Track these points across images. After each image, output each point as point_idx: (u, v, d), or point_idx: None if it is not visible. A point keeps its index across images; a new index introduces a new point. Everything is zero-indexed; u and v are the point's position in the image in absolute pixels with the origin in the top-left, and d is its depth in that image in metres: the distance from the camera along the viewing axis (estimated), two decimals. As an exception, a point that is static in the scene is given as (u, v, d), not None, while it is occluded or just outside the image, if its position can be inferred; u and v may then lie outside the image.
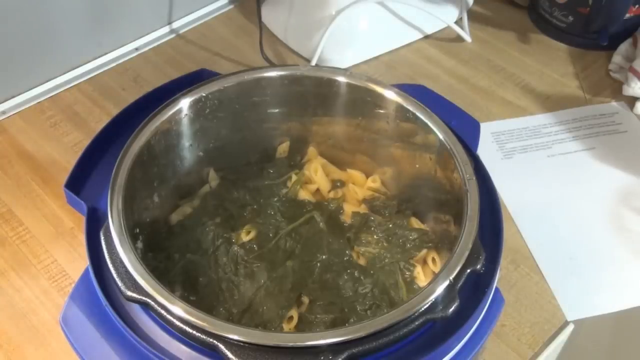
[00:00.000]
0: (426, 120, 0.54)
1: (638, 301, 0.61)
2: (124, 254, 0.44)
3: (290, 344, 0.40)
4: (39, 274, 0.61)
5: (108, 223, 0.46)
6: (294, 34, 0.84)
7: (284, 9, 0.85)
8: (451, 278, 0.44)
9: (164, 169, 0.56)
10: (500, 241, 0.49)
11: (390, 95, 0.56)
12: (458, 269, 0.44)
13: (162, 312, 0.42)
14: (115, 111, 0.56)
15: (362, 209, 0.60)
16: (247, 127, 0.60)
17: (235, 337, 0.40)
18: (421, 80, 0.80)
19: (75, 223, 0.65)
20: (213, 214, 0.58)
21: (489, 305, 0.46)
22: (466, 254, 0.45)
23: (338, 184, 0.62)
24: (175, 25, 0.87)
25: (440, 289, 0.43)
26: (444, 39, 0.87)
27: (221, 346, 0.40)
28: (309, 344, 0.40)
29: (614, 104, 0.79)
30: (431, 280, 0.44)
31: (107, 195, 0.48)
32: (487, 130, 0.75)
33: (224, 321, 0.41)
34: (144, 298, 0.42)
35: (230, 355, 0.40)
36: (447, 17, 0.86)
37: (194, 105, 0.55)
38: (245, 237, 0.57)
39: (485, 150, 0.72)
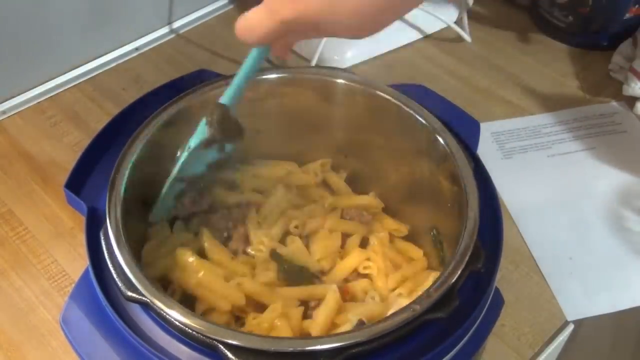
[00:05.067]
0: (425, 121, 0.54)
1: (638, 301, 0.61)
2: (120, 255, 0.44)
3: (290, 349, 0.40)
4: (39, 274, 0.61)
5: (106, 224, 0.46)
6: (294, 34, 0.84)
7: (284, 9, 0.85)
8: (451, 278, 0.44)
9: (163, 169, 0.55)
10: (500, 241, 0.49)
11: (390, 95, 0.56)
12: (458, 268, 0.44)
13: (162, 312, 0.42)
14: (115, 111, 0.56)
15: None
16: (246, 127, 0.60)
17: (233, 342, 0.40)
18: (421, 80, 0.79)
19: (75, 223, 0.65)
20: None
21: (489, 305, 0.46)
22: (466, 254, 0.45)
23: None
24: (175, 25, 0.87)
25: (439, 289, 0.43)
26: (444, 39, 0.87)
27: (221, 346, 0.40)
28: (308, 350, 0.40)
29: (614, 104, 0.79)
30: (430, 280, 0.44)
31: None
32: (487, 130, 0.75)
33: (221, 326, 0.41)
34: (143, 298, 0.42)
35: (230, 355, 0.40)
36: (447, 17, 0.86)
37: (193, 105, 0.55)
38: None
39: (485, 150, 0.72)
